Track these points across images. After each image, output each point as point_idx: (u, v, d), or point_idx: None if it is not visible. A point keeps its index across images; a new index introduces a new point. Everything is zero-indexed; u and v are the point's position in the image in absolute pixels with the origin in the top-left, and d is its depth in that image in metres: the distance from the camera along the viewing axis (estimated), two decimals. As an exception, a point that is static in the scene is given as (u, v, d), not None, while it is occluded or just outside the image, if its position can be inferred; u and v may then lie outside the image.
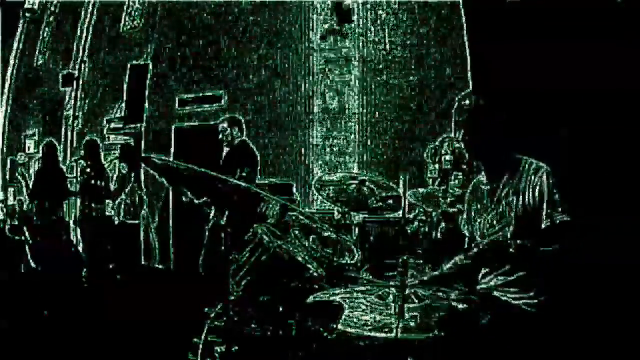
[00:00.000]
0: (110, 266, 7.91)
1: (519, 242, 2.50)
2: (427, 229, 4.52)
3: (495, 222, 2.65)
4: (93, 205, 7.74)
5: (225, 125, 6.05)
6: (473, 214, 2.79)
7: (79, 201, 8.21)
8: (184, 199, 5.67)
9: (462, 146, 2.74)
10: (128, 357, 4.40)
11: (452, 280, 2.85)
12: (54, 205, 7.69)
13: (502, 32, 3.96)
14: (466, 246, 2.86)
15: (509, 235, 2.57)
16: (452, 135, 5.26)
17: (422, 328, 2.10)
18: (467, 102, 2.69)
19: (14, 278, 7.32)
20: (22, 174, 8.28)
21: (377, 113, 8.42)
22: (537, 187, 2.54)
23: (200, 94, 9.63)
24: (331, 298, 2.41)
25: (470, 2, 4.66)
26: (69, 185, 8.35)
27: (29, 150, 12.77)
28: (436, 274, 2.78)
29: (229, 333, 3.00)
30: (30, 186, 7.82)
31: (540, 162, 2.61)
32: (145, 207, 9.16)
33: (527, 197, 2.56)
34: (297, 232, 3.29)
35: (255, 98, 9.11)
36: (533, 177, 2.57)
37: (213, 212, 5.70)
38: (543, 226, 2.49)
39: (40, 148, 8.45)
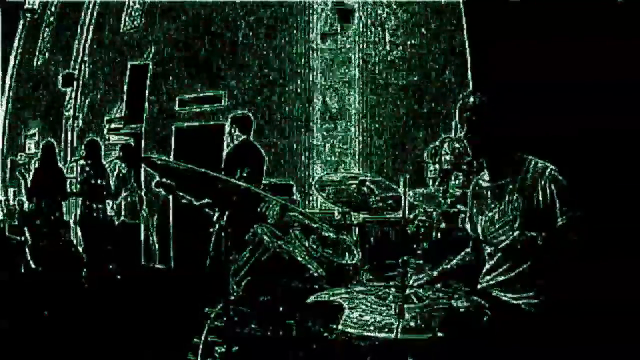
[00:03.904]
0: (110, 266, 7.90)
1: (542, 234, 2.49)
2: (427, 229, 4.52)
3: (496, 221, 2.65)
4: (93, 205, 7.74)
5: (228, 123, 5.94)
6: (474, 212, 2.79)
7: (79, 201, 8.21)
8: (184, 200, 5.60)
9: (465, 144, 2.73)
10: (128, 357, 4.40)
11: (455, 278, 2.85)
12: (52, 205, 7.69)
13: (502, 32, 3.96)
14: (471, 244, 2.86)
15: (510, 235, 2.57)
16: (453, 134, 5.26)
17: (422, 328, 2.09)
18: (471, 100, 2.68)
19: (14, 278, 7.32)
20: (21, 173, 8.28)
21: (377, 113, 8.42)
22: (546, 187, 2.54)
23: (201, 94, 9.64)
24: (331, 298, 2.41)
25: (470, 2, 4.66)
26: (68, 185, 8.35)
27: (29, 150, 12.77)
28: (441, 268, 2.79)
29: (229, 333, 3.00)
30: (28, 185, 7.82)
31: (546, 162, 2.61)
32: (145, 207, 9.16)
33: (533, 196, 2.56)
34: (297, 232, 3.29)
35: (255, 98, 9.11)
36: (539, 177, 2.57)
37: (216, 216, 5.64)
38: (558, 224, 2.49)
39: (40, 147, 8.46)
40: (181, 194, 5.30)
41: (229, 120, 6.01)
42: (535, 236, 2.49)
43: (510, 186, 2.63)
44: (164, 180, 4.88)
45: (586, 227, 2.49)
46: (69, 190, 8.29)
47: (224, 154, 6.01)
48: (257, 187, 5.39)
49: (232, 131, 5.90)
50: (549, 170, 2.57)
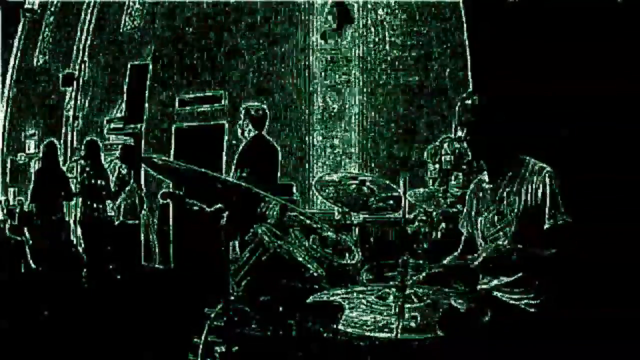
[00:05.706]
0: (110, 266, 7.91)
1: (519, 247, 2.51)
2: (427, 229, 4.52)
3: (495, 222, 2.65)
4: (93, 205, 7.74)
5: (242, 114, 5.44)
6: (473, 212, 2.79)
7: (79, 201, 8.22)
8: (195, 208, 5.38)
9: (465, 145, 2.74)
10: (128, 357, 4.40)
11: (450, 279, 2.85)
12: (54, 205, 7.69)
13: (502, 32, 3.96)
14: (462, 244, 2.86)
15: (508, 235, 2.58)
16: (453, 134, 5.27)
17: (422, 328, 2.09)
18: (470, 101, 2.69)
19: (14, 278, 7.32)
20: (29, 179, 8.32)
21: (377, 113, 8.42)
22: (540, 188, 2.54)
23: (201, 94, 9.64)
24: (331, 298, 2.41)
25: (470, 2, 4.67)
26: (71, 186, 8.35)
27: (29, 150, 12.77)
28: (435, 270, 2.79)
29: (229, 333, 3.00)
30: (31, 186, 7.84)
31: (543, 163, 2.61)
32: (145, 207, 9.16)
33: (528, 197, 2.56)
34: (297, 232, 3.29)
35: (255, 98, 9.11)
36: (535, 178, 2.57)
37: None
38: (545, 227, 2.50)
39: (41, 147, 8.46)
40: (191, 201, 5.18)
41: (242, 111, 5.50)
42: (510, 250, 2.50)
43: (508, 188, 2.64)
44: (171, 191, 4.81)
45: (571, 232, 2.49)
46: (72, 190, 8.29)
47: (239, 149, 5.64)
48: (272, 184, 5.30)
49: (244, 125, 5.40)
50: (545, 171, 2.57)
